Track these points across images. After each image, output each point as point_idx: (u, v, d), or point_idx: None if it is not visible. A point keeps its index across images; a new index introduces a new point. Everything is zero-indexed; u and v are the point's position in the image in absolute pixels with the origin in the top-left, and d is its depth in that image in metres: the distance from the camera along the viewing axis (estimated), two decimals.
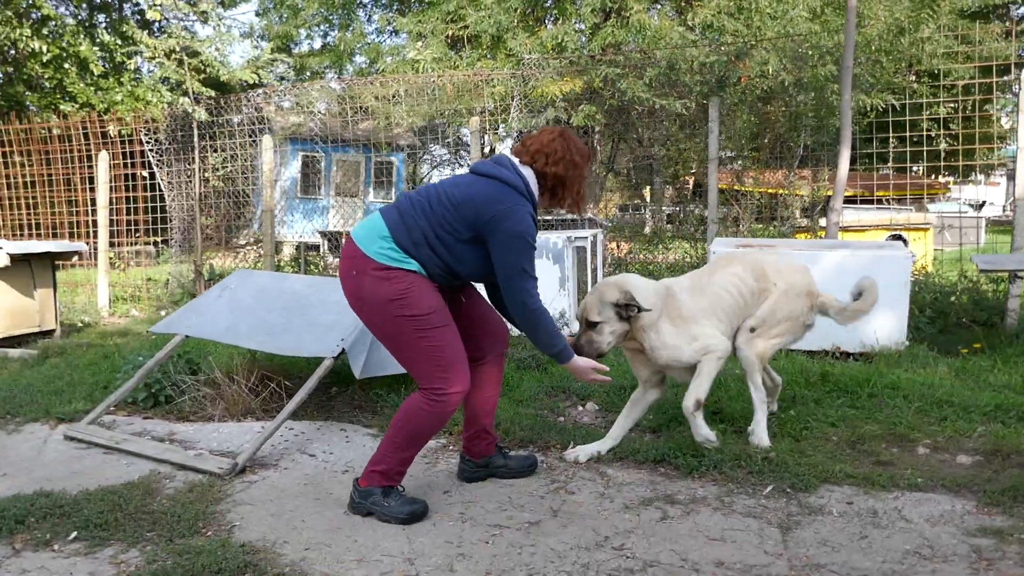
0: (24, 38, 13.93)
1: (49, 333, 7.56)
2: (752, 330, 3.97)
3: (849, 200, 10.56)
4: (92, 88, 17.35)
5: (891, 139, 7.82)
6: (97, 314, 9.09)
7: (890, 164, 8.46)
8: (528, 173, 3.32)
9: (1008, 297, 6.25)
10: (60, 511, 3.39)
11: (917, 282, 7.19)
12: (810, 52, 9.78)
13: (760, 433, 3.93)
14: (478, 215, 3.16)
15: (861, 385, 4.66)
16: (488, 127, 14.00)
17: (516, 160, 3.34)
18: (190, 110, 11.32)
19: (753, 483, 3.55)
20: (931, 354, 5.46)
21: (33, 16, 16.50)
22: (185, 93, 16.03)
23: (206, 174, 9.91)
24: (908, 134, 8.44)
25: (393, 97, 12.32)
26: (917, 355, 5.37)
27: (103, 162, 9.28)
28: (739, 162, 9.91)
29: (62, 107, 16.95)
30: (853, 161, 7.75)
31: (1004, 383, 4.81)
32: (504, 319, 3.62)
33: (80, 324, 8.70)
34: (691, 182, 12.73)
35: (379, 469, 3.32)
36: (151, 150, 9.39)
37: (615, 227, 11.06)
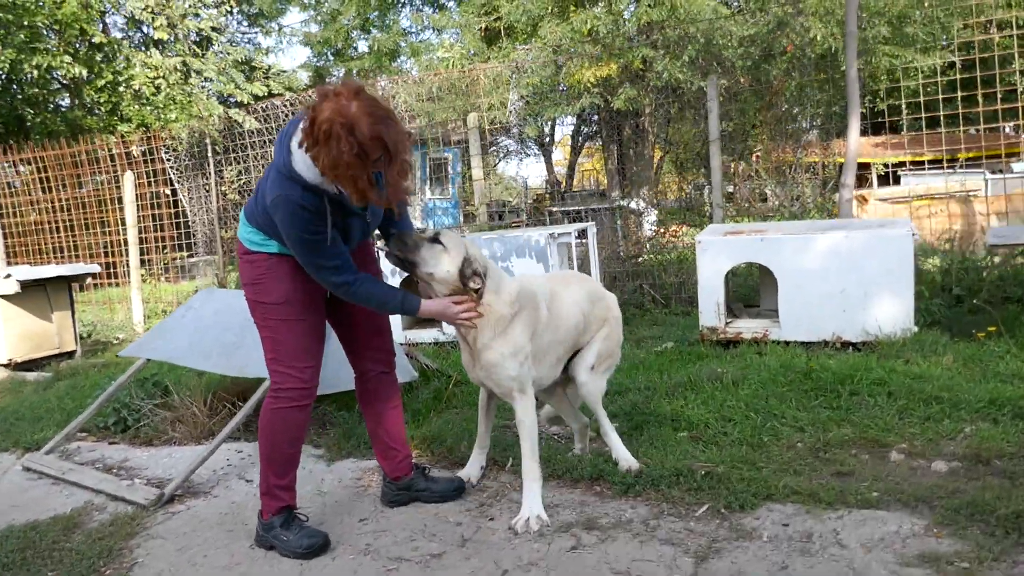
0: (64, 64, 14.37)
1: (70, 355, 7.75)
2: (592, 368, 3.57)
3: (927, 163, 9.76)
4: (148, 108, 17.86)
5: (979, 96, 7.06)
6: (132, 330, 9.31)
7: (981, 125, 7.61)
8: (300, 152, 2.75)
9: None
10: None
11: (950, 256, 6.64)
12: (860, 13, 9.18)
13: (624, 454, 3.61)
14: (264, 207, 2.92)
15: (844, 381, 4.26)
16: (527, 116, 13.79)
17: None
18: (240, 120, 11.52)
19: (688, 502, 3.25)
20: (942, 340, 4.99)
21: (89, 42, 17.08)
22: (239, 104, 16.39)
23: (223, 188, 10.01)
24: (998, 90, 7.64)
25: (429, 95, 12.24)
26: (924, 342, 4.90)
27: (128, 182, 9.46)
28: (812, 133, 9.33)
29: (120, 128, 17.51)
30: (933, 124, 7.09)
31: (1014, 371, 4.33)
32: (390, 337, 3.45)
33: (115, 341, 8.92)
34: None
35: (262, 492, 3.19)
36: (171, 167, 9.51)
37: (671, 210, 10.57)
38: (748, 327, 5.47)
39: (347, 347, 3.41)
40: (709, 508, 3.18)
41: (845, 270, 5.10)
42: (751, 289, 6.68)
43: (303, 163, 2.75)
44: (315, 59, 22.52)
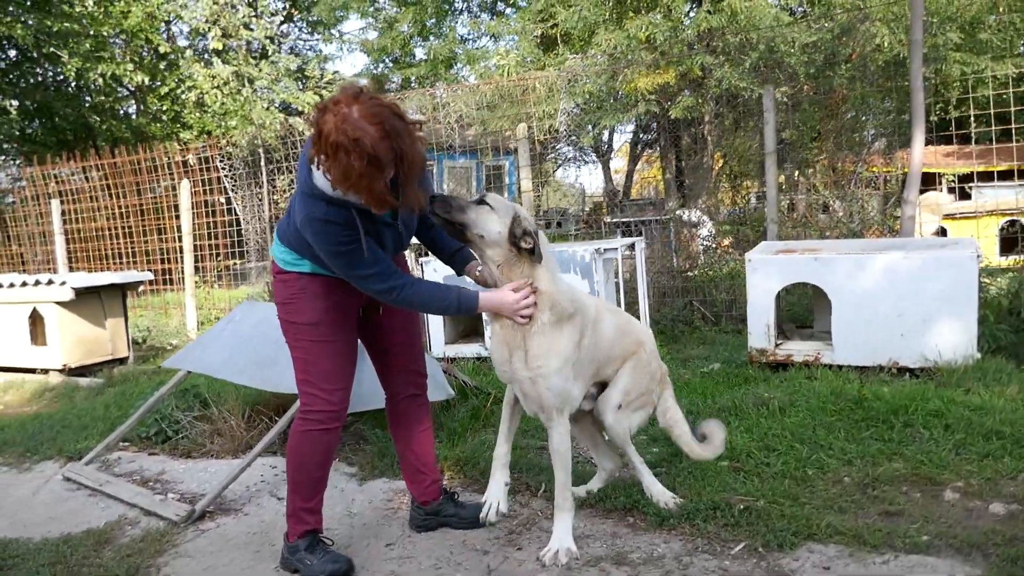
0: (127, 73, 14.76)
1: (123, 361, 7.89)
2: (620, 407, 3.30)
3: (1001, 175, 9.31)
4: (209, 114, 18.26)
5: None
6: (186, 336, 9.46)
7: None
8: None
9: None
10: (10, 562, 3.41)
11: (1018, 278, 6.31)
12: (930, 20, 8.85)
13: (659, 490, 3.45)
14: (296, 228, 2.88)
15: (897, 412, 4.05)
16: (582, 124, 13.67)
17: None
18: (300, 128, 11.66)
19: (724, 539, 3.11)
20: (1007, 368, 4.72)
21: (155, 51, 17.54)
22: (299, 112, 16.62)
23: (275, 196, 10.12)
24: None
25: (484, 103, 12.23)
26: (987, 370, 4.64)
27: (184, 190, 9.63)
28: (881, 142, 8.98)
29: (182, 135, 17.94)
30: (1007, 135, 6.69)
31: None
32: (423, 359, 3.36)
33: (168, 347, 9.07)
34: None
35: (288, 513, 3.14)
36: (226, 176, 9.66)
37: (729, 221, 10.26)
38: (799, 349, 5.27)
39: (378, 368, 3.36)
40: (746, 546, 3.03)
41: (903, 292, 4.87)
42: (805, 309, 6.45)
43: (322, 178, 2.69)
44: (373, 67, 22.78)
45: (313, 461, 3.10)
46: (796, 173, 7.95)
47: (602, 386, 3.33)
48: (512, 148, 16.90)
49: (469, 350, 6.28)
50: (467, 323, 6.62)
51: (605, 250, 5.81)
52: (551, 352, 2.95)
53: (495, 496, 3.22)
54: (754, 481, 3.56)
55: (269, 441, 4.02)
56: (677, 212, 9.78)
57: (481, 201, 2.90)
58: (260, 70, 17.46)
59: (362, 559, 3.22)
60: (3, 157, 18.35)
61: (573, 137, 15.27)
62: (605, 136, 22.71)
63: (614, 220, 10.92)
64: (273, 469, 4.33)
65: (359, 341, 3.24)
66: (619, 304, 5.98)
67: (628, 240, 6.30)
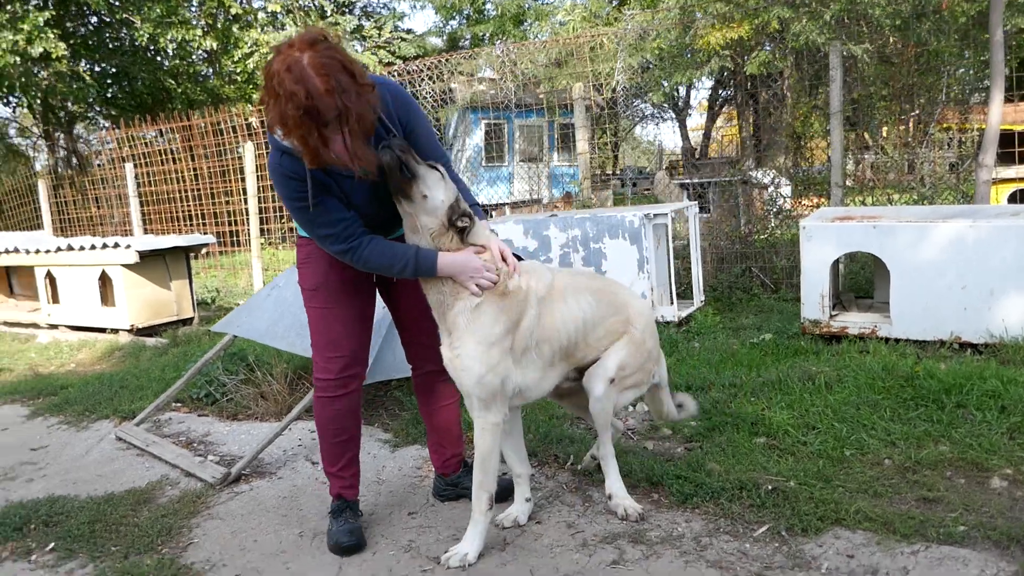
0: (196, 38, 15.03)
1: (187, 321, 8.14)
2: (612, 380, 3.03)
3: None
4: None
5: None
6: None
7: None
8: None
9: None
10: (56, 519, 3.56)
11: None
12: None
13: (620, 491, 3.21)
14: None
15: (951, 391, 3.84)
16: (653, 81, 13.32)
17: None
18: None
19: (748, 520, 3.01)
20: None
21: (228, 13, 17.80)
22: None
23: None
24: None
25: (551, 60, 12.05)
26: None
27: (248, 152, 9.80)
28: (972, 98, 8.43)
29: (255, 97, 18.24)
30: None
31: None
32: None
33: (235, 307, 9.32)
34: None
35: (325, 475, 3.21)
36: None
37: (806, 179, 9.80)
38: (855, 322, 5.05)
39: (401, 339, 3.33)
40: (769, 529, 2.93)
41: (969, 263, 4.60)
42: (867, 279, 6.18)
43: None
44: (443, 24, 22.65)
45: (324, 427, 3.12)
46: (866, 134, 7.55)
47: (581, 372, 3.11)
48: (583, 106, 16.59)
49: None
50: None
51: (655, 215, 5.66)
52: (468, 333, 2.76)
53: (515, 511, 3.18)
54: (788, 460, 3.44)
55: (303, 407, 4.08)
56: (748, 172, 9.42)
57: (433, 167, 2.76)
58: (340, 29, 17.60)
59: (384, 527, 3.25)
60: (85, 122, 19.02)
61: (641, 94, 14.91)
62: (682, 92, 22.16)
63: (676, 181, 10.63)
64: (311, 433, 4.40)
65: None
66: (670, 272, 5.83)
67: (680, 204, 6.12)
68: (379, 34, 16.92)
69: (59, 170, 18.08)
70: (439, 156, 2.87)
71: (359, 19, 19.21)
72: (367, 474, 3.79)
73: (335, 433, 3.13)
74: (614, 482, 3.19)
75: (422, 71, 11.49)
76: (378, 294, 3.21)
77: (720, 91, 21.95)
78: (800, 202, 8.48)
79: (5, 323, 9.35)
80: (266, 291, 5.09)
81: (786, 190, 8.90)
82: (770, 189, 9.04)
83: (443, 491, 3.44)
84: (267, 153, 2.94)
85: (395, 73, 11.44)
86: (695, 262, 6.17)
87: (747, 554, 2.79)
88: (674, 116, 23.93)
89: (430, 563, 2.93)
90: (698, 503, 3.17)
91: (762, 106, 14.35)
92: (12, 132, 24.12)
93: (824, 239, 5.00)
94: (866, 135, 7.60)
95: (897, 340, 4.82)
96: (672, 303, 5.78)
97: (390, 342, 4.12)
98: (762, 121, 14.24)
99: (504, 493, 3.20)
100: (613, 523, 3.10)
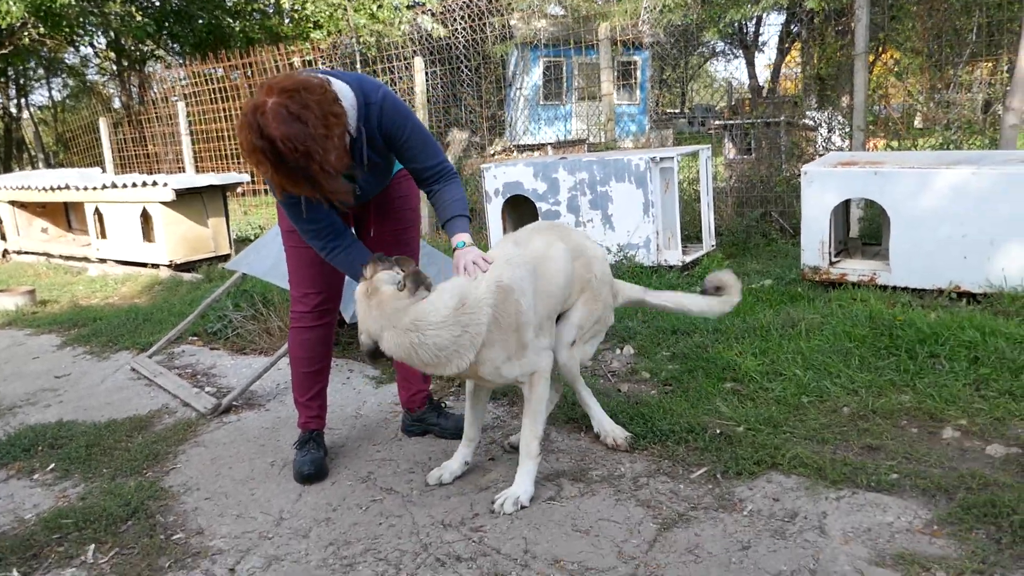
0: None
1: (224, 258, 8.45)
2: (573, 343, 3.11)
3: None
4: (339, 12, 18.51)
5: None
6: None
7: None
8: None
9: None
10: (60, 442, 3.85)
11: None
12: None
13: (608, 425, 3.33)
14: None
15: (925, 341, 3.80)
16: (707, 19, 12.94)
17: None
18: (429, 27, 11.73)
19: (689, 463, 3.08)
20: None
21: None
22: (427, 11, 16.63)
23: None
24: None
25: None
26: None
27: None
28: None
29: (313, 35, 18.36)
30: None
31: None
32: None
33: None
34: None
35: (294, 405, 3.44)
36: None
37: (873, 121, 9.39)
38: (855, 269, 4.98)
39: None
40: (707, 471, 3.01)
41: (970, 212, 4.48)
42: (880, 226, 6.04)
43: None
44: None
45: (296, 356, 3.33)
46: (889, 76, 7.26)
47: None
48: (645, 43, 16.30)
49: None
50: None
51: (662, 159, 5.62)
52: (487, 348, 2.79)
53: (452, 467, 3.17)
54: (748, 405, 3.49)
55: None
56: (807, 112, 9.10)
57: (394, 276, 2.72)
58: None
59: (350, 459, 3.43)
60: (152, 60, 19.46)
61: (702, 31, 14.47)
62: (750, 29, 21.41)
63: (720, 123, 10.39)
64: None
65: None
66: (677, 216, 5.80)
67: (689, 148, 6.05)
68: None
69: (130, 108, 18.65)
70: (430, 160, 2.97)
71: None
72: (348, 408, 3.99)
73: (307, 363, 3.33)
74: (602, 418, 3.33)
75: (482, 5, 11.40)
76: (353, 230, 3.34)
77: (791, 27, 21.15)
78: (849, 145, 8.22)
79: (62, 256, 9.86)
80: (274, 232, 5.27)
81: (837, 133, 8.61)
82: (822, 131, 8.77)
83: (410, 426, 3.60)
84: None
85: (452, 8, 11.34)
86: (706, 206, 6.12)
87: (678, 494, 2.88)
88: (742, 53, 23.21)
89: (381, 493, 3.10)
90: (646, 445, 3.26)
91: (827, 43, 13.81)
92: (90, 70, 24.85)
93: (825, 184, 4.92)
94: (891, 78, 7.31)
95: (895, 288, 4.75)
96: (677, 247, 5.78)
97: None
98: (825, 59, 13.73)
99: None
100: (562, 462, 3.22)
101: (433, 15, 12.96)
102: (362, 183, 3.00)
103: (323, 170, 2.52)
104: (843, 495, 2.75)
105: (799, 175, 7.18)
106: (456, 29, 11.62)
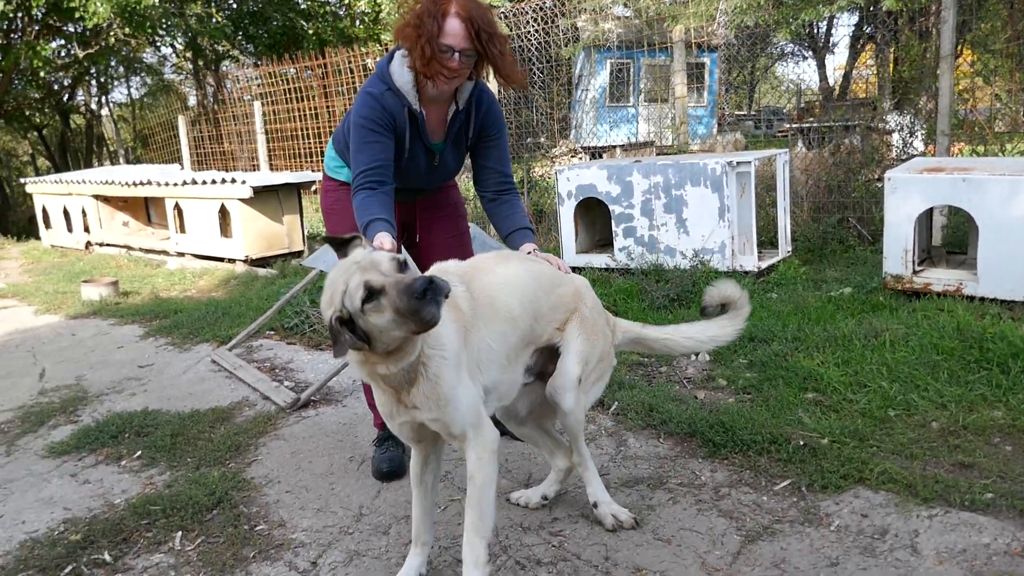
0: None
1: (298, 254, 8.62)
2: (580, 381, 2.60)
3: None
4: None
5: None
6: None
7: None
8: (399, 55, 2.84)
9: None
10: (146, 430, 3.98)
11: None
12: None
13: (605, 497, 2.83)
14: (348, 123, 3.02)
15: (1019, 355, 3.66)
16: (781, 20, 12.73)
17: None
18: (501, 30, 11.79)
19: (772, 474, 3.03)
20: None
21: None
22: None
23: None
24: None
25: None
26: None
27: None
28: None
29: (383, 37, 18.63)
30: None
31: None
32: None
33: None
34: None
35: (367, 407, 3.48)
36: None
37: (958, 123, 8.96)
38: (940, 278, 4.83)
39: None
40: (791, 484, 2.95)
41: None
42: (965, 234, 5.85)
43: (399, 67, 2.81)
44: None
45: None
46: (976, 79, 7.02)
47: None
48: (714, 45, 16.07)
49: (599, 260, 6.29)
50: (603, 233, 6.59)
51: (739, 163, 5.54)
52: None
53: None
54: (831, 417, 3.42)
55: None
56: (884, 116, 8.87)
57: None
58: None
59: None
60: (228, 60, 19.95)
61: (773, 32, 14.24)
62: (822, 29, 20.96)
63: (792, 127, 10.21)
64: None
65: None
66: (753, 221, 5.70)
67: (767, 152, 5.95)
68: None
69: (206, 106, 19.19)
70: (507, 167, 3.08)
71: None
72: None
73: None
74: (596, 489, 2.81)
75: (554, 7, 11.39)
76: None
77: (864, 28, 20.64)
78: (932, 149, 7.98)
79: (142, 249, 10.18)
80: None
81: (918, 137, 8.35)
82: (900, 134, 8.54)
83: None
84: None
85: (524, 11, 11.36)
86: (783, 211, 6.01)
87: (762, 506, 2.83)
88: (812, 55, 22.74)
89: (460, 493, 3.12)
90: (727, 454, 3.21)
91: (903, 44, 13.43)
92: (168, 69, 25.59)
93: (909, 191, 4.78)
94: (980, 80, 7.06)
95: (983, 299, 4.59)
96: (753, 253, 5.68)
97: None
98: (903, 61, 13.34)
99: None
100: (641, 468, 3.20)
101: (505, 17, 12.99)
102: (445, 159, 3.04)
103: (501, 53, 2.71)
104: (935, 513, 2.67)
105: (878, 180, 7.03)
106: (528, 32, 11.62)
